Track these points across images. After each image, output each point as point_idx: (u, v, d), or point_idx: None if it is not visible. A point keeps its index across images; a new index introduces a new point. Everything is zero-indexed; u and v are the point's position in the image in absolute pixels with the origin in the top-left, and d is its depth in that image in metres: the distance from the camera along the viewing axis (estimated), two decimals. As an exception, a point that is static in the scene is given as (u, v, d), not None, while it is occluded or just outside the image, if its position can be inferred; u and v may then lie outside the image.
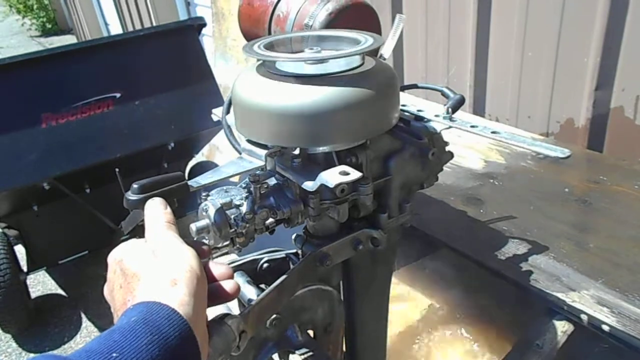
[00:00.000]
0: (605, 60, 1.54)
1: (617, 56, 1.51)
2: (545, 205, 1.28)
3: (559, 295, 0.98)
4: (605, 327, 0.90)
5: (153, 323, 0.42)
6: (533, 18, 1.69)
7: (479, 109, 2.02)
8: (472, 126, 0.70)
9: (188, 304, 0.45)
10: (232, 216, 0.68)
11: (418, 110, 0.78)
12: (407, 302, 1.26)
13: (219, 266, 0.56)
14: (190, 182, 0.65)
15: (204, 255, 0.57)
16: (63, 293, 2.99)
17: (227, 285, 0.54)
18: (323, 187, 0.64)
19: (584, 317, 0.94)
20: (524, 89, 1.82)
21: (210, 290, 0.53)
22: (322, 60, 0.65)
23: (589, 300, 0.96)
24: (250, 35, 0.96)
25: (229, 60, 3.73)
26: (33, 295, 2.88)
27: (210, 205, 0.68)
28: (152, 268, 0.48)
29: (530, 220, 1.22)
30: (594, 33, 1.52)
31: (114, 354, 0.40)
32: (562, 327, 0.96)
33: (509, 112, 1.90)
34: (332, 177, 0.62)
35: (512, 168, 1.48)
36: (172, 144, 2.66)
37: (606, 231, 1.17)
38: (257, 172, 0.71)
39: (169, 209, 0.57)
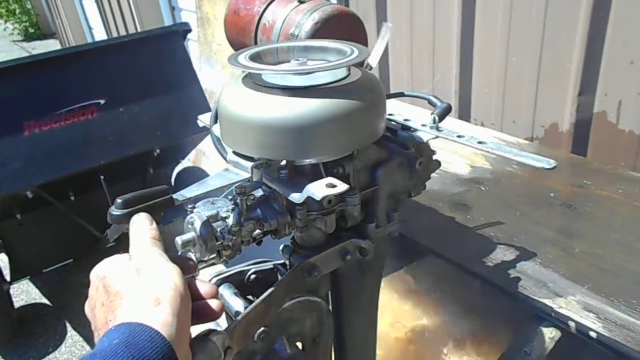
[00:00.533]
0: (587, 66, 1.55)
1: (599, 62, 1.53)
2: (531, 210, 1.29)
3: (546, 301, 0.99)
4: (592, 333, 0.91)
5: (135, 346, 0.42)
6: (516, 24, 1.70)
7: (464, 114, 2.03)
8: (458, 136, 0.71)
9: (171, 325, 0.45)
10: (219, 229, 0.67)
11: (405, 120, 0.78)
12: (393, 310, 1.26)
13: (204, 284, 0.55)
14: (175, 196, 0.64)
15: (190, 271, 0.57)
16: (47, 302, 2.95)
17: (212, 304, 0.54)
18: (310, 198, 0.63)
19: (571, 323, 0.94)
20: (508, 94, 1.83)
21: (195, 308, 0.52)
22: (307, 72, 0.65)
23: (576, 306, 0.97)
24: (236, 44, 0.96)
25: (214, 65, 3.71)
26: (16, 304, 2.84)
27: (196, 218, 0.67)
28: (135, 287, 0.48)
29: (517, 226, 1.23)
30: (577, 39, 1.54)
31: None
32: (550, 334, 0.96)
33: (494, 117, 1.91)
34: (318, 189, 0.62)
35: (497, 173, 1.49)
36: (158, 151, 2.65)
37: (591, 236, 1.18)
38: (244, 183, 0.70)
39: (154, 225, 0.57)
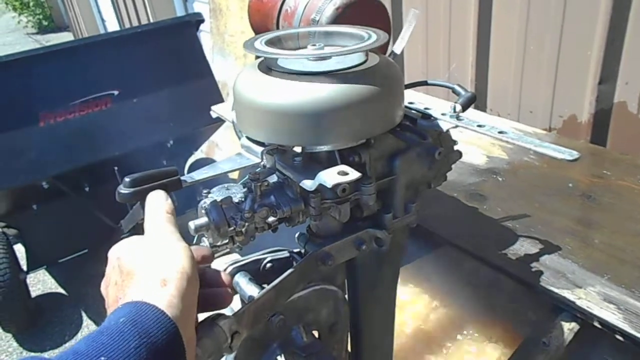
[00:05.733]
0: (608, 54, 1.52)
1: (620, 50, 1.49)
2: (549, 200, 1.27)
3: (565, 292, 0.97)
4: (612, 324, 0.89)
5: (142, 325, 0.42)
6: (535, 11, 1.67)
7: (480, 104, 2.00)
8: (479, 125, 0.68)
9: (177, 306, 0.45)
10: (232, 214, 0.67)
11: (425, 108, 0.76)
12: (410, 302, 1.25)
13: (218, 273, 0.56)
14: (184, 177, 0.64)
15: (206, 260, 0.57)
16: (63, 292, 2.99)
17: (224, 292, 0.55)
18: (323, 186, 0.62)
19: (590, 314, 0.93)
20: (525, 83, 1.80)
21: (207, 294, 0.53)
22: (323, 57, 0.64)
23: (595, 297, 0.95)
24: (260, 30, 0.95)
25: (226, 56, 3.71)
26: (33, 294, 2.88)
27: (210, 203, 0.67)
28: (144, 267, 0.48)
29: (534, 216, 1.21)
30: (597, 26, 1.51)
31: (102, 358, 0.39)
32: (569, 325, 0.95)
33: (511, 107, 1.88)
34: (330, 177, 0.61)
35: (514, 163, 1.46)
36: (171, 142, 2.65)
37: (611, 226, 1.16)
38: (258, 169, 0.70)
39: (169, 200, 0.57)
